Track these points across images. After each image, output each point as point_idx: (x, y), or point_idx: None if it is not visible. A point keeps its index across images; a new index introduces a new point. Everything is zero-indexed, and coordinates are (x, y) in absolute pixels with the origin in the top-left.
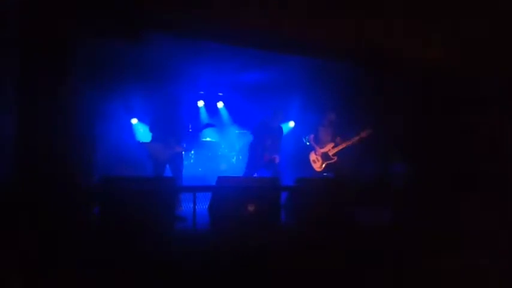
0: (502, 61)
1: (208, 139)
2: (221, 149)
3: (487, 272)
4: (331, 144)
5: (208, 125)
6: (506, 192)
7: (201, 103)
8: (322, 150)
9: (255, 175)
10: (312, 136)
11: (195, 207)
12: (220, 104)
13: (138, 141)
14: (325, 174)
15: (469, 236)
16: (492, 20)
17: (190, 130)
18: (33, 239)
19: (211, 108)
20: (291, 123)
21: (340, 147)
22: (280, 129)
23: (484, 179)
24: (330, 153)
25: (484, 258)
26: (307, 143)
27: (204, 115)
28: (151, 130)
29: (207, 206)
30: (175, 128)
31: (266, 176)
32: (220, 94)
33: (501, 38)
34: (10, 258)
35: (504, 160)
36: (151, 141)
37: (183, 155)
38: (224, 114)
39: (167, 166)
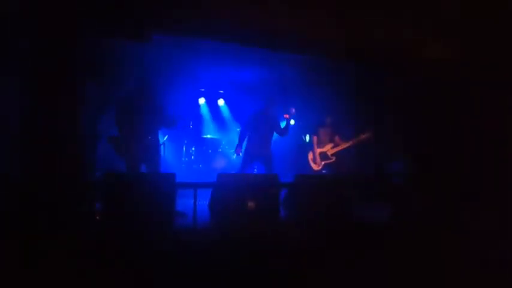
0: (504, 61)
1: (209, 136)
2: (221, 146)
3: (488, 270)
4: (330, 145)
5: (179, 117)
6: (507, 191)
7: (202, 100)
8: (321, 150)
9: (255, 169)
10: (315, 138)
11: (196, 203)
12: (221, 102)
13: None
14: (323, 171)
15: (470, 233)
16: (494, 20)
17: (191, 127)
18: (36, 234)
19: (212, 105)
20: (291, 121)
21: (339, 148)
22: (276, 118)
23: (486, 177)
24: (329, 153)
25: (485, 255)
26: (307, 141)
27: (205, 112)
28: (117, 123)
29: (207, 203)
30: (147, 118)
31: (261, 169)
32: (221, 92)
33: (503, 38)
34: (13, 253)
35: (506, 159)
36: (120, 135)
37: (160, 148)
38: (225, 111)
39: (142, 161)
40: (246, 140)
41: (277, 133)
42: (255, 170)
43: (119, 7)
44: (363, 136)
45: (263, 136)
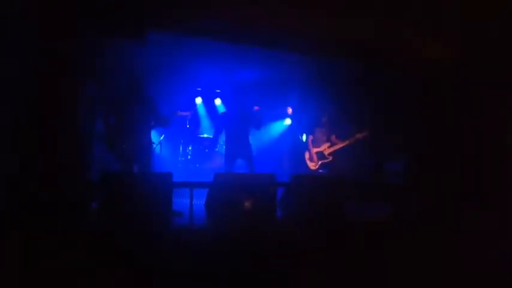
0: (504, 61)
1: (205, 135)
2: (218, 145)
3: (488, 270)
4: (327, 144)
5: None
6: (507, 191)
7: (198, 100)
8: (318, 150)
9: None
10: (310, 137)
11: (192, 203)
12: (217, 101)
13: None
14: (320, 171)
15: (470, 233)
16: (494, 20)
17: (187, 126)
18: (36, 234)
19: (209, 105)
20: (287, 121)
21: (336, 148)
22: (243, 115)
23: (486, 177)
24: (326, 153)
25: (485, 255)
26: (304, 140)
27: (202, 111)
28: (107, 121)
29: (204, 202)
30: (138, 118)
31: (243, 166)
32: (218, 91)
33: (503, 38)
34: (13, 253)
35: (506, 159)
36: (112, 134)
37: (152, 149)
38: (222, 111)
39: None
40: (224, 139)
41: (253, 127)
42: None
43: (119, 7)
44: (359, 135)
45: (239, 134)
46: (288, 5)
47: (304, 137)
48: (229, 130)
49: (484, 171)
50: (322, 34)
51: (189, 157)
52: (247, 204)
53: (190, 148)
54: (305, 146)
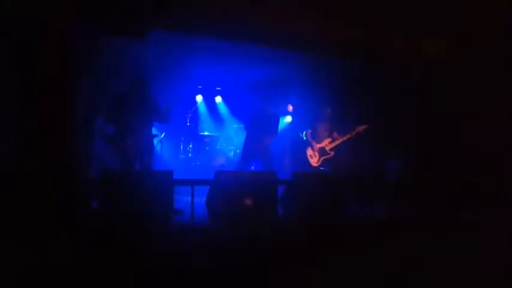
0: (503, 61)
1: (206, 133)
2: (219, 143)
3: (488, 270)
4: (329, 140)
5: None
6: (507, 191)
7: (199, 98)
8: (320, 146)
9: (252, 167)
10: (309, 131)
11: (193, 201)
12: (218, 99)
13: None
14: (321, 168)
15: (471, 233)
16: (493, 20)
17: (188, 124)
18: (36, 234)
19: (209, 102)
20: (288, 118)
21: (337, 143)
22: (275, 117)
23: (486, 177)
24: (327, 148)
25: (485, 255)
26: (304, 138)
27: (203, 109)
28: (110, 121)
29: (204, 200)
30: (139, 118)
31: (259, 166)
32: (219, 89)
33: (502, 38)
34: (13, 253)
35: (506, 159)
36: (115, 132)
37: (153, 147)
38: (222, 108)
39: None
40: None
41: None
42: (253, 167)
43: (119, 7)
44: (360, 128)
45: (262, 133)
46: (288, 5)
47: (304, 135)
48: (252, 129)
49: (484, 171)
50: (322, 34)
51: (190, 155)
52: (248, 202)
53: (191, 146)
54: (306, 143)
